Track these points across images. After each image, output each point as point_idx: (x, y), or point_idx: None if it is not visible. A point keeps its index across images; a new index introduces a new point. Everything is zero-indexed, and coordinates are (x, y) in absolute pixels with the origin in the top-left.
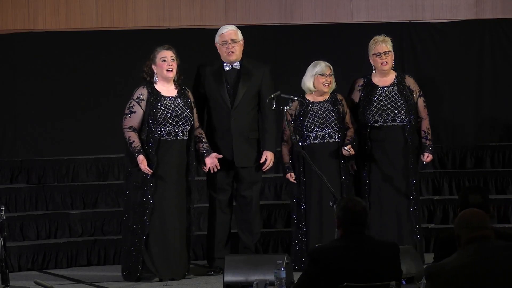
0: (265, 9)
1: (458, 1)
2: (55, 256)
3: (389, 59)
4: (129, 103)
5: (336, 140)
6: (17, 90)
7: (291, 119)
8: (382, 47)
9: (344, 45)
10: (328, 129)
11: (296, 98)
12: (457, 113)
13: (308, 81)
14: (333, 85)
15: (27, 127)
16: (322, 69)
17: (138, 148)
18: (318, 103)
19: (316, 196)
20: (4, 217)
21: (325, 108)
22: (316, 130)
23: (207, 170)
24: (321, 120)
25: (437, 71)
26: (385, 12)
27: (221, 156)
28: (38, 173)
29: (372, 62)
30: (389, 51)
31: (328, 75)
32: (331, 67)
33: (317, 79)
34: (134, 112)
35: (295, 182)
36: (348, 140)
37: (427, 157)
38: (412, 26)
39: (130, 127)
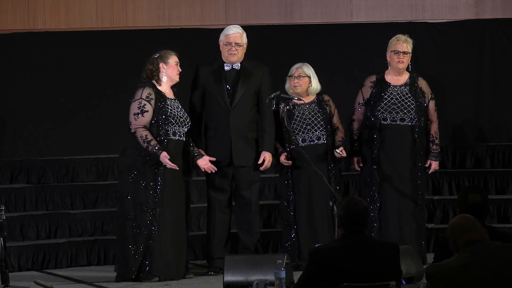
0: (265, 9)
1: (458, 1)
2: (55, 256)
3: (406, 60)
4: (139, 103)
5: (324, 142)
6: (17, 90)
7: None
8: (403, 47)
9: (344, 45)
10: (315, 131)
11: (296, 98)
12: (457, 113)
13: (286, 83)
14: (304, 88)
15: (27, 127)
16: (291, 71)
17: (158, 146)
18: (304, 104)
19: (305, 198)
20: (4, 217)
21: (311, 109)
22: (303, 132)
23: (204, 170)
24: (308, 121)
25: (437, 71)
26: (385, 12)
27: (214, 159)
28: (38, 173)
29: (388, 59)
30: (408, 52)
31: (296, 77)
32: (306, 70)
33: (289, 81)
34: (147, 111)
35: (289, 162)
36: (339, 141)
37: (432, 166)
38: (412, 26)
39: (144, 126)
